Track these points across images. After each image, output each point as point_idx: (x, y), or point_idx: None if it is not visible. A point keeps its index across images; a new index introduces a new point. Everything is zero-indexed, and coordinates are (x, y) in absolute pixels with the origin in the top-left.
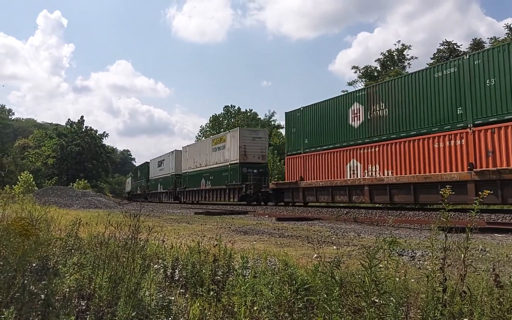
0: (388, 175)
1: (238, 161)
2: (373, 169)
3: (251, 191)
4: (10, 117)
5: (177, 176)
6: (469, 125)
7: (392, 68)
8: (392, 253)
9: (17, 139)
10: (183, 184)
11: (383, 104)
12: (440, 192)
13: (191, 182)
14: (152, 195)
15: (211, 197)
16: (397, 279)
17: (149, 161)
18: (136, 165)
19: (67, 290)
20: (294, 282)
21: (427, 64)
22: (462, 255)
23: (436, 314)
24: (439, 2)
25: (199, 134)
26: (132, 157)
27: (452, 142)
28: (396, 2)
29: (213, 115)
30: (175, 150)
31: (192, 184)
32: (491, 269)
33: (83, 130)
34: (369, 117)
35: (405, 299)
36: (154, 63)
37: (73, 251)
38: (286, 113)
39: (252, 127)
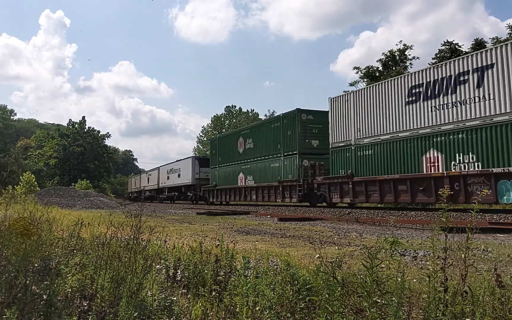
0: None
1: None
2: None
3: None
4: (12, 117)
5: None
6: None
7: (394, 68)
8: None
9: (19, 140)
10: None
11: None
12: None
13: None
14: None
15: None
16: (399, 279)
17: (291, 110)
18: (138, 166)
19: (69, 290)
20: (296, 282)
21: (428, 63)
22: (463, 255)
23: (437, 314)
24: (443, 2)
25: (201, 134)
26: (134, 157)
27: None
28: (399, 2)
29: (214, 115)
30: None
31: None
32: (493, 269)
33: (85, 130)
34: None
35: (407, 299)
36: (157, 63)
37: (75, 251)
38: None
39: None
